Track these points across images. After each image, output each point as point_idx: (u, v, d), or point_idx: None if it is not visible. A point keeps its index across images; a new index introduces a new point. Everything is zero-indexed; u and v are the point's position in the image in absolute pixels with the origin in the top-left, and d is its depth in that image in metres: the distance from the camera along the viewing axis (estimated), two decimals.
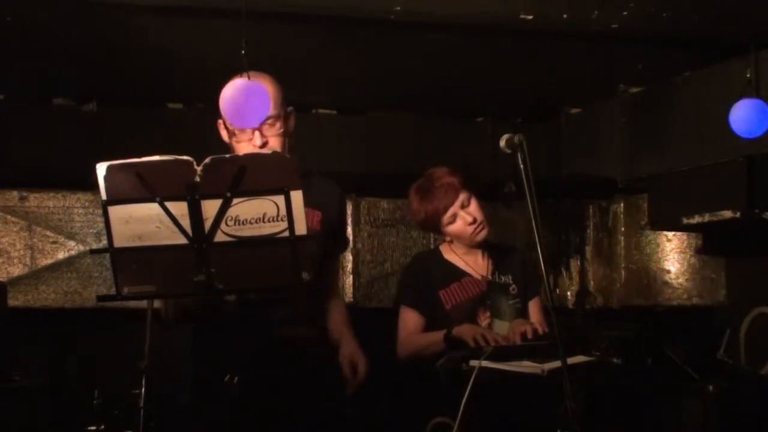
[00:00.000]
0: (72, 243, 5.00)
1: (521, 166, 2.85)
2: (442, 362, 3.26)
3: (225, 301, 2.90)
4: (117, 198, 2.50)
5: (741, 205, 4.48)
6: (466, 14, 3.79)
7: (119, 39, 4.03)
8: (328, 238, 3.22)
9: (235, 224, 2.51)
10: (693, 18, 3.89)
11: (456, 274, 3.72)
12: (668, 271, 5.49)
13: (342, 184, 3.37)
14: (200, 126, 4.77)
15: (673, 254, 5.49)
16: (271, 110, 3.06)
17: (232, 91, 3.04)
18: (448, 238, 3.78)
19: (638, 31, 4.04)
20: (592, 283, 5.69)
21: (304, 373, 3.05)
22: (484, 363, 3.09)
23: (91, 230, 5.01)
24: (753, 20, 3.94)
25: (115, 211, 2.50)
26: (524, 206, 2.83)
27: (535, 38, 4.12)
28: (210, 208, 2.49)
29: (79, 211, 5.02)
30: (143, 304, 2.75)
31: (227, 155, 2.55)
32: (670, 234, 5.45)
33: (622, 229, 5.62)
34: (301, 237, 2.51)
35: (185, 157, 2.49)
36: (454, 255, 3.77)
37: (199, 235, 2.50)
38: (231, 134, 3.10)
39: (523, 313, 3.73)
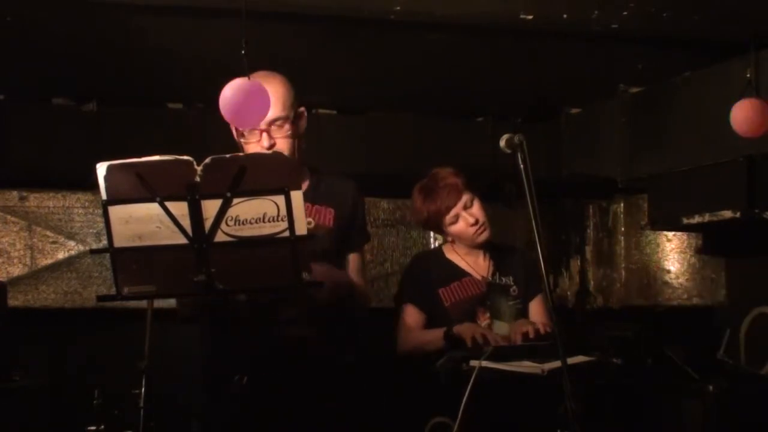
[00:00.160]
0: (72, 243, 4.99)
1: (521, 166, 2.85)
2: (442, 362, 3.26)
3: (236, 300, 2.89)
4: (117, 198, 2.50)
5: (741, 205, 4.48)
6: (466, 14, 3.79)
7: (119, 39, 4.03)
8: (342, 234, 3.22)
9: (235, 224, 2.51)
10: (693, 18, 3.88)
11: (457, 273, 3.73)
12: (668, 271, 5.48)
13: None
14: (200, 126, 4.80)
15: (673, 254, 5.48)
16: (279, 112, 3.06)
17: (231, 91, 3.03)
18: (450, 238, 3.78)
19: (638, 31, 4.03)
20: (592, 283, 5.68)
21: (309, 372, 3.05)
22: (484, 363, 3.09)
23: (91, 230, 5.00)
24: (753, 20, 3.93)
25: (115, 211, 2.51)
26: (524, 206, 2.83)
27: (535, 38, 4.12)
28: (210, 208, 2.50)
29: (79, 211, 5.01)
30: (143, 304, 2.75)
31: (227, 155, 2.56)
32: (670, 234, 5.45)
33: (622, 229, 5.62)
34: (302, 237, 2.52)
35: (185, 157, 2.49)
36: (455, 255, 3.78)
37: (200, 235, 2.50)
38: (240, 135, 3.10)
39: (523, 314, 3.74)
